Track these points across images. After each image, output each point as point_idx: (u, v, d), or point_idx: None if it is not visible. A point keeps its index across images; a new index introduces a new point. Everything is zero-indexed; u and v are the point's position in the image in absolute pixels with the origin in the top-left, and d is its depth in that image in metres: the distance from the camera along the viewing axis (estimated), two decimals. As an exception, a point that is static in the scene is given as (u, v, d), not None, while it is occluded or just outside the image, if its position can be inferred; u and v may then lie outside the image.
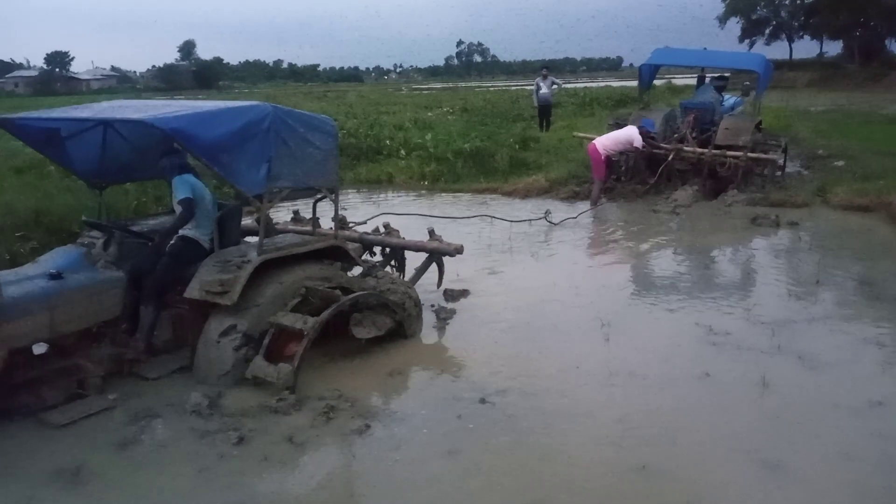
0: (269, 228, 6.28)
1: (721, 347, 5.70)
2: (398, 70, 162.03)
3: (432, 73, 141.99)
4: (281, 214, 8.29)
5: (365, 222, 7.79)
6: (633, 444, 4.25)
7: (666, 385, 5.05)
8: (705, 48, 17.80)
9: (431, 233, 6.88)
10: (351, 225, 7.43)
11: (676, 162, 12.06)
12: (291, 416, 4.62)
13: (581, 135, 14.20)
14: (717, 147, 11.81)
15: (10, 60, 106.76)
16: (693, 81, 20.09)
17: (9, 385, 4.55)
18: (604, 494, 3.80)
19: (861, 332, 6.01)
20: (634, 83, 15.86)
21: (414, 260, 7.06)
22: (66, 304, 4.71)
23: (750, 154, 11.54)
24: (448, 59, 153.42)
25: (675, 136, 12.49)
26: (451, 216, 9.64)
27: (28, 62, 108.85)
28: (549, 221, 10.17)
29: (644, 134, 11.61)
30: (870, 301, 6.79)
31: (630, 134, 11.55)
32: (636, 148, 11.58)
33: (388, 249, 7.04)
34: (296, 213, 7.66)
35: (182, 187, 5.34)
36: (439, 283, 6.94)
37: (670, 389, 4.99)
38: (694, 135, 12.40)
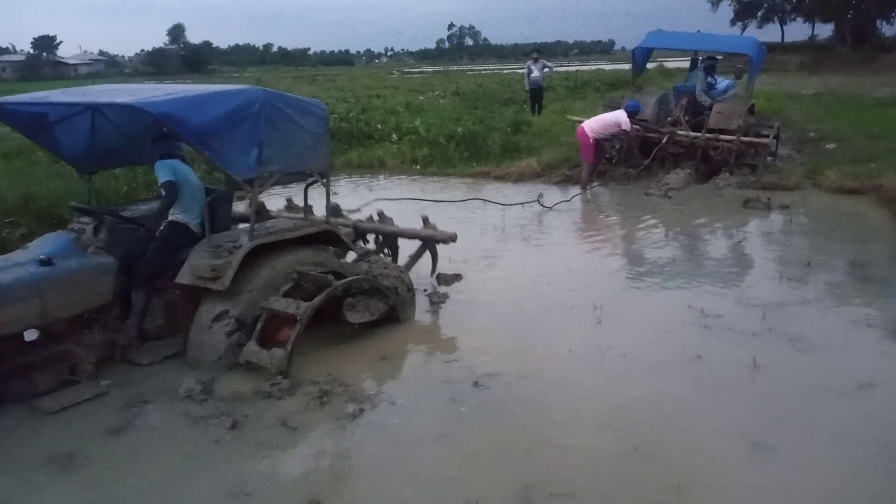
0: (261, 213, 6.26)
1: (713, 330, 5.72)
2: (389, 54, 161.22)
3: (423, 56, 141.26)
4: (275, 201, 8.24)
5: (359, 209, 7.75)
6: (625, 427, 4.27)
7: (658, 368, 5.07)
8: (699, 31, 17.71)
9: (425, 221, 6.87)
10: (345, 213, 7.41)
11: (670, 145, 12.08)
12: (285, 401, 4.62)
13: (574, 118, 14.15)
14: (710, 131, 11.82)
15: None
16: (683, 64, 20.04)
17: (0, 372, 4.54)
18: (596, 477, 3.82)
19: (851, 313, 6.05)
20: (626, 66, 15.84)
21: (408, 247, 7.04)
22: (56, 291, 4.68)
23: (743, 138, 11.56)
24: (439, 42, 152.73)
25: (669, 119, 12.50)
26: (444, 200, 9.61)
27: (14, 47, 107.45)
28: (542, 205, 10.19)
29: (632, 116, 11.60)
30: (860, 283, 6.83)
31: (618, 117, 11.54)
32: (624, 131, 11.58)
33: (381, 237, 7.03)
34: (289, 200, 7.62)
35: (163, 171, 5.31)
36: (433, 272, 6.92)
37: (662, 372, 5.01)
38: (687, 118, 12.41)
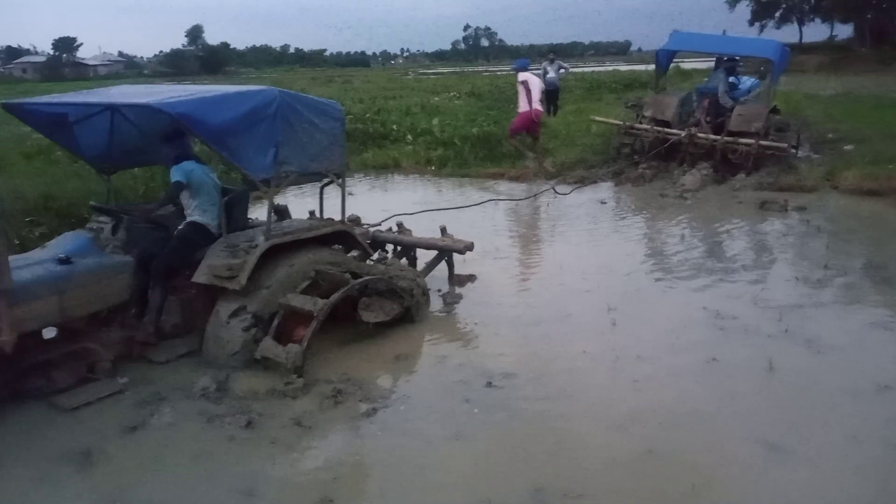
0: (282, 214, 6.31)
1: (728, 332, 5.69)
2: (405, 55, 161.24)
3: (439, 57, 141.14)
4: (293, 205, 8.27)
5: (379, 224, 7.76)
6: (640, 429, 4.25)
7: (673, 369, 5.05)
8: (724, 31, 17.59)
9: (443, 230, 6.90)
10: (365, 226, 7.43)
11: (690, 146, 12.06)
12: (299, 400, 4.65)
13: (600, 119, 14.17)
14: (731, 133, 11.77)
15: (17, 46, 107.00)
16: (701, 65, 19.89)
17: (20, 368, 4.59)
18: (610, 478, 3.81)
19: (869, 316, 5.99)
20: (642, 67, 15.77)
21: (425, 256, 7.06)
22: (75, 289, 4.73)
23: (762, 142, 11.50)
24: (455, 43, 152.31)
25: (691, 120, 12.50)
26: (459, 206, 9.62)
27: (35, 48, 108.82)
28: (556, 192, 10.52)
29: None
30: (878, 285, 6.76)
31: (536, 80, 13.12)
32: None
33: (399, 248, 7.05)
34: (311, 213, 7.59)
35: (176, 174, 5.40)
36: (450, 280, 6.94)
37: (677, 374, 4.99)
38: (708, 119, 12.38)
